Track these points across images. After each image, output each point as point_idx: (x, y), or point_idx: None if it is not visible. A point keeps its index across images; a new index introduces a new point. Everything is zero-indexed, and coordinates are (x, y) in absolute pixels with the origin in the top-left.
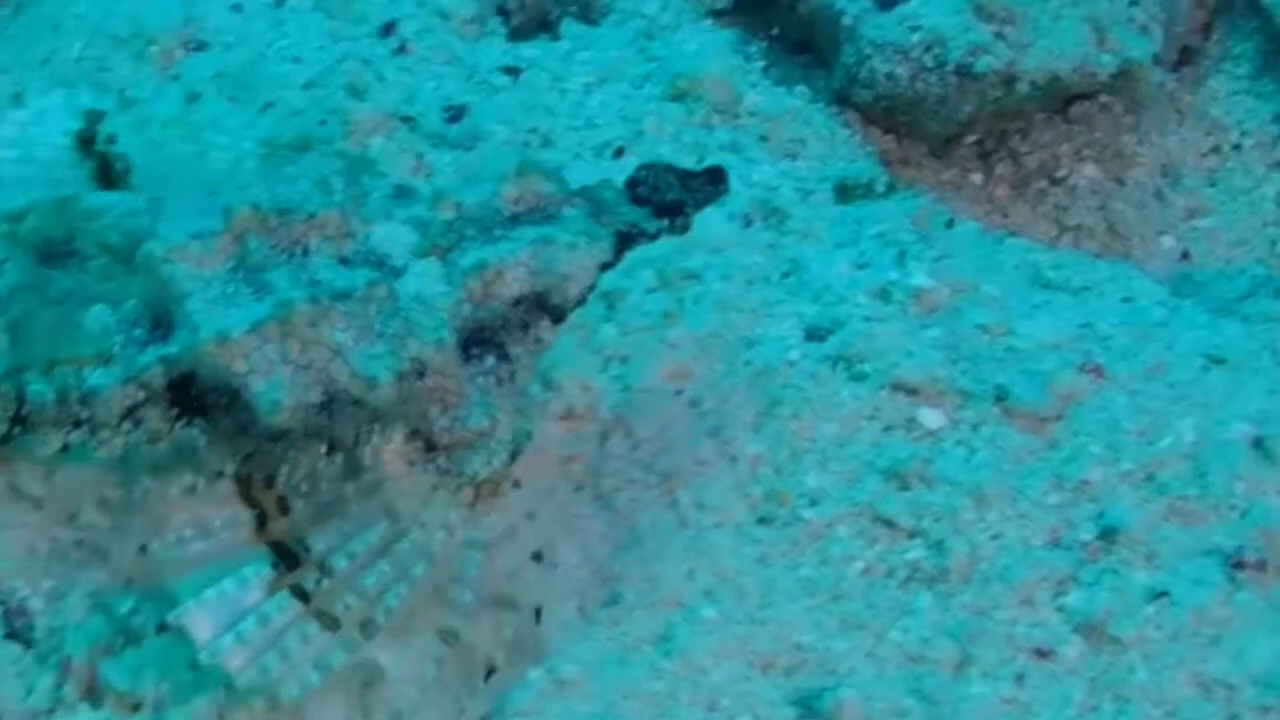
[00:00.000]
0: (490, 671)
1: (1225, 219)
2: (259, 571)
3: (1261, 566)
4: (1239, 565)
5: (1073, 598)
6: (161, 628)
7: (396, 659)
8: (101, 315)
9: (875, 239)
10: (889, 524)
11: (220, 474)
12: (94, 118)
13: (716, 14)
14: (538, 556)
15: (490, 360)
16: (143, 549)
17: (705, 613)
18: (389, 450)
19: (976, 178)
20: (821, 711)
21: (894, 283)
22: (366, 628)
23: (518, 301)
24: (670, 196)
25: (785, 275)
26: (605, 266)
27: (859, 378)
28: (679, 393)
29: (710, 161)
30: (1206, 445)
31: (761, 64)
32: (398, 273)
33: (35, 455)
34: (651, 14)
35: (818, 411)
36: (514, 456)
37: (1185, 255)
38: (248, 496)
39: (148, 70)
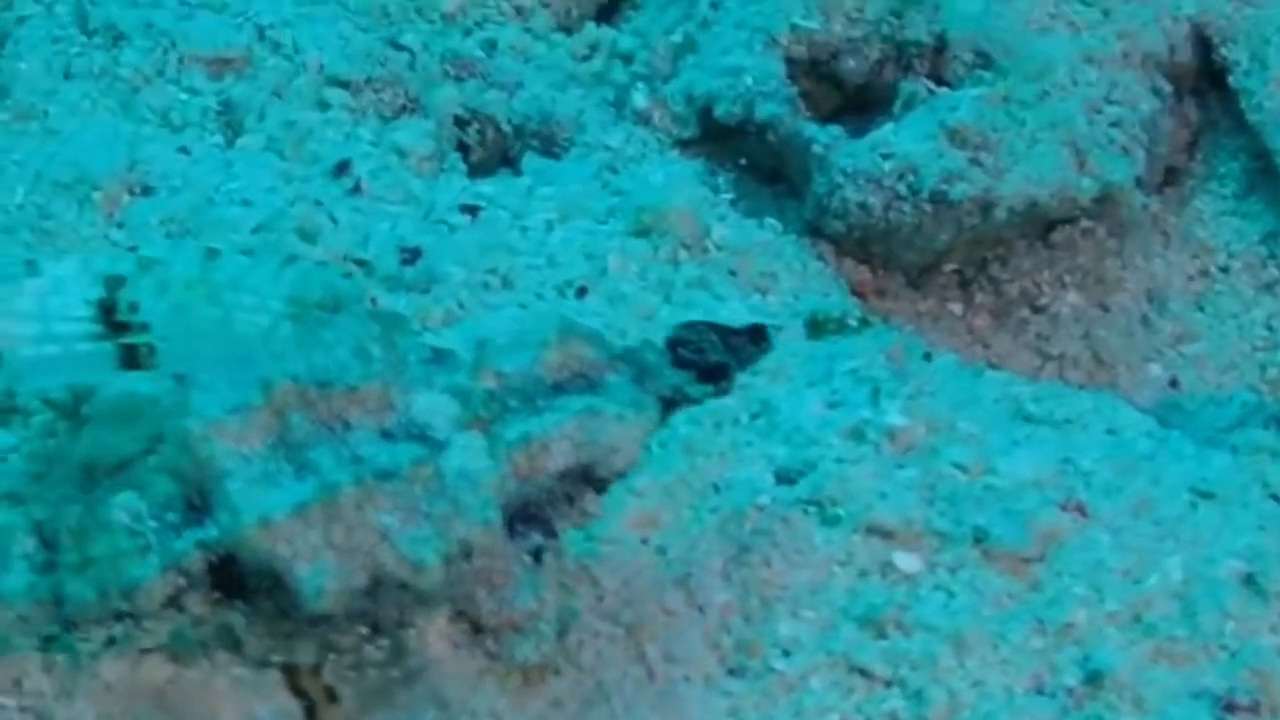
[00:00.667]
0: None
1: (1214, 344)
2: None
3: (1254, 709)
4: (1230, 708)
5: None
6: None
7: None
8: (129, 502)
9: (848, 375)
10: (865, 673)
11: (266, 663)
12: (114, 284)
13: (683, 144)
14: None
15: (536, 537)
16: None
17: None
18: (434, 631)
19: (956, 308)
20: None
21: (867, 421)
22: None
23: (563, 475)
24: (715, 359)
25: (755, 416)
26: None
27: (832, 521)
28: (644, 541)
29: (688, 307)
30: (1195, 584)
31: (730, 195)
32: (440, 446)
33: (79, 653)
34: (616, 146)
35: (789, 558)
36: (561, 636)
37: (1174, 383)
38: (295, 686)
39: (91, 217)
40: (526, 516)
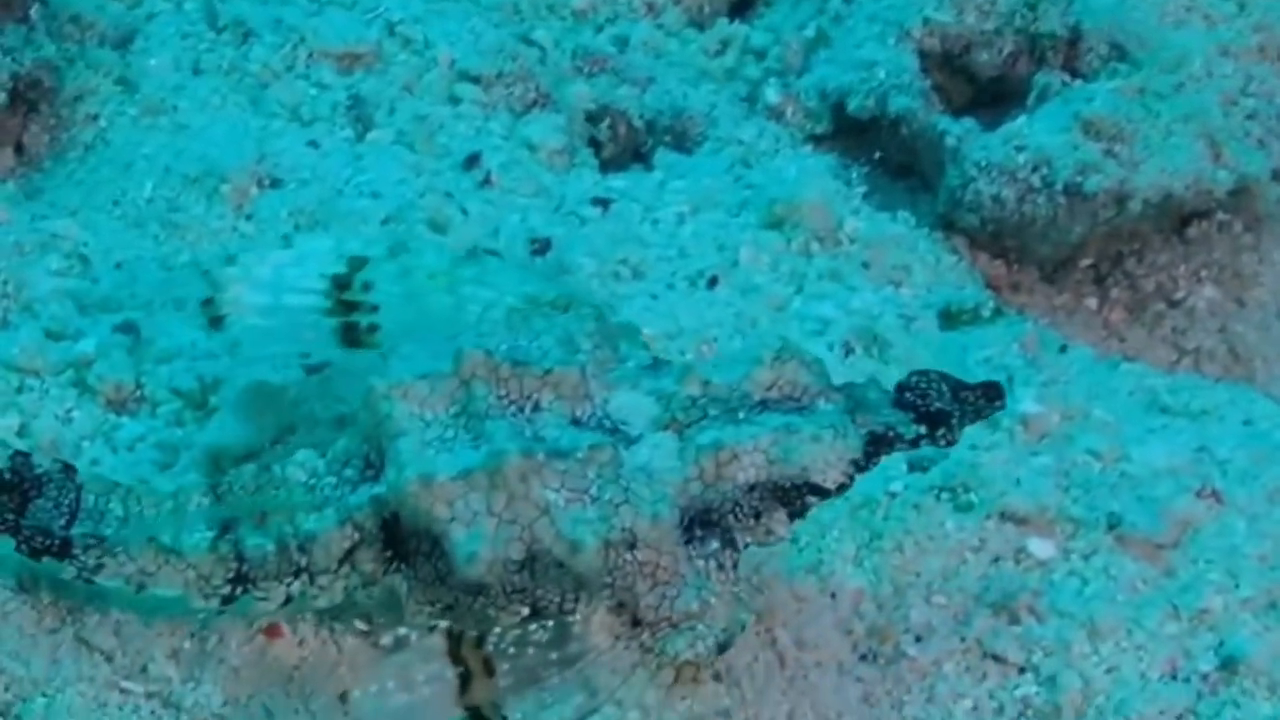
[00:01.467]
0: None
1: None
2: None
3: None
4: None
5: None
6: None
7: None
8: (309, 460)
9: (981, 365)
10: (998, 659)
11: (432, 629)
12: (356, 264)
13: (816, 139)
14: None
15: (714, 544)
16: (343, 696)
17: None
18: (596, 620)
19: (1091, 302)
20: None
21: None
22: None
23: (752, 488)
24: (936, 405)
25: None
26: (856, 467)
27: (965, 508)
28: None
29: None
30: None
31: (862, 189)
32: (630, 441)
33: (257, 611)
34: (748, 140)
35: (921, 544)
36: (723, 647)
37: None
38: (456, 654)
39: (219, 209)
40: (707, 522)
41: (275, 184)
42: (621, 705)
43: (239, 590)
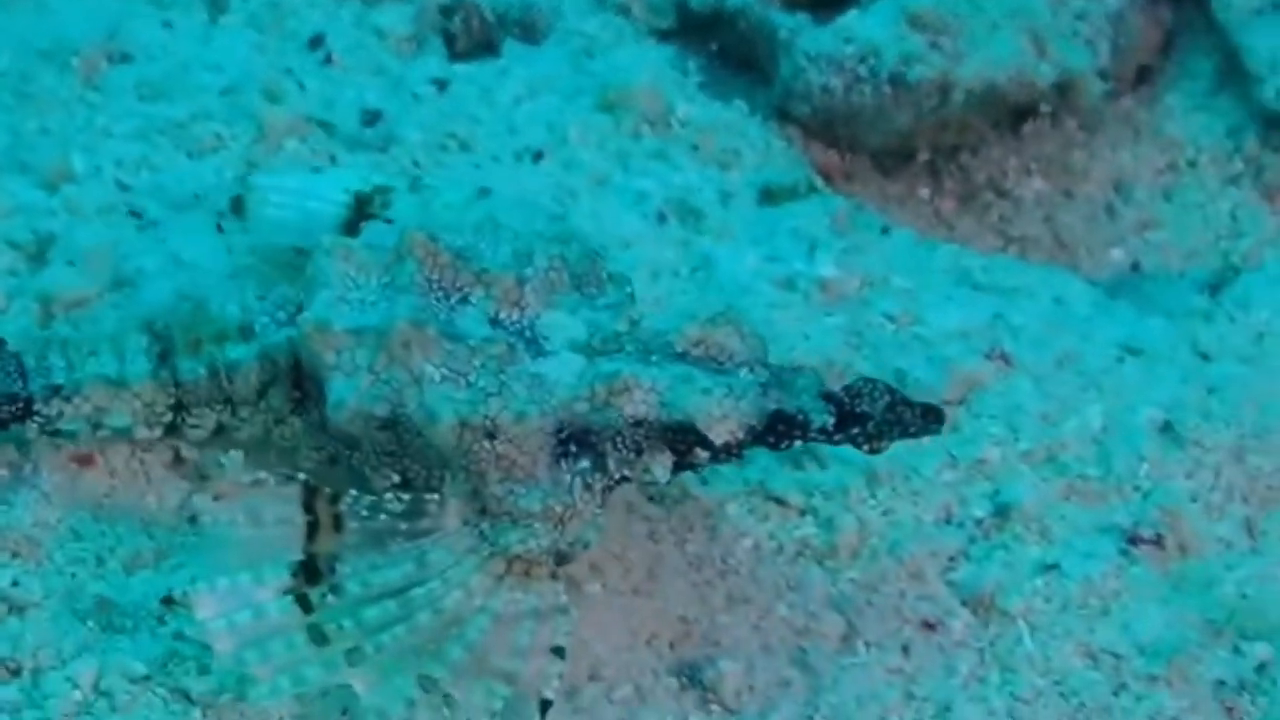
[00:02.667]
0: None
1: (1178, 232)
2: (278, 575)
3: (1158, 542)
4: (1134, 541)
5: (962, 572)
6: (168, 599)
7: (372, 691)
8: (247, 299)
9: (788, 234)
10: (780, 501)
11: (291, 477)
12: (382, 190)
13: (661, 33)
14: (558, 651)
15: (584, 463)
16: (193, 519)
17: (590, 588)
18: (452, 504)
19: (924, 192)
20: (702, 681)
21: (799, 273)
22: (352, 655)
23: (639, 423)
24: (862, 409)
25: (695, 270)
26: (753, 435)
27: None
28: None
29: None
30: (1113, 430)
31: (699, 79)
32: (541, 353)
33: (191, 438)
34: (593, 33)
35: None
36: (563, 558)
37: (1135, 267)
38: (310, 505)
39: (69, 81)
40: (585, 443)
41: (125, 59)
42: (447, 583)
43: (179, 418)
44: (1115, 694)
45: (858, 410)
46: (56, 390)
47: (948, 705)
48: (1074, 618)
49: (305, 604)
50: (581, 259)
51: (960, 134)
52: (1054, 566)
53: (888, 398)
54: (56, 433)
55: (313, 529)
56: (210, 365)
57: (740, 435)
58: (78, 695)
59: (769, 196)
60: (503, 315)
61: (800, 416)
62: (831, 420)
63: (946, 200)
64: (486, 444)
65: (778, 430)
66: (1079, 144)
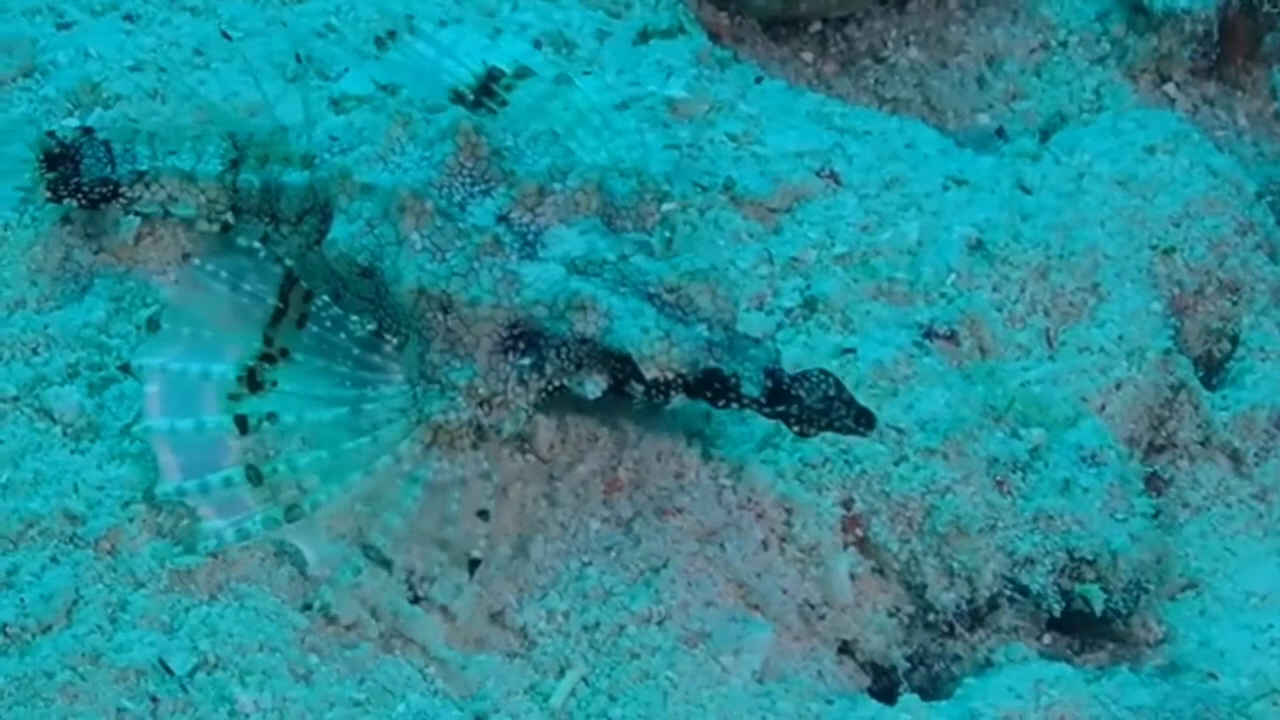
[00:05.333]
0: (415, 600)
1: (1044, 103)
2: (226, 373)
3: (953, 338)
4: (930, 335)
5: None
6: (124, 368)
7: (318, 555)
8: (319, 136)
9: (651, 65)
10: None
11: (280, 260)
12: (520, 71)
13: None
14: (483, 514)
15: (526, 360)
16: (185, 255)
17: None
18: (403, 356)
19: (807, 56)
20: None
21: (650, 93)
22: (290, 511)
23: (584, 340)
24: (796, 391)
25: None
26: (684, 385)
27: None
28: None
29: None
30: (927, 244)
31: None
32: (530, 258)
33: (240, 244)
34: None
35: None
36: (482, 433)
37: (999, 132)
38: (285, 293)
39: None
40: (532, 342)
41: None
42: (377, 444)
43: (236, 220)
44: (895, 464)
45: (791, 392)
46: (140, 175)
47: (741, 465)
48: (864, 395)
49: (243, 425)
50: (630, 195)
51: (846, 6)
52: (850, 350)
53: (827, 390)
54: (136, 213)
55: (278, 315)
56: (265, 181)
57: (668, 377)
58: None
59: (643, 37)
60: (513, 215)
61: (733, 380)
62: (762, 394)
63: (829, 64)
64: (440, 315)
65: (713, 387)
66: (958, 20)
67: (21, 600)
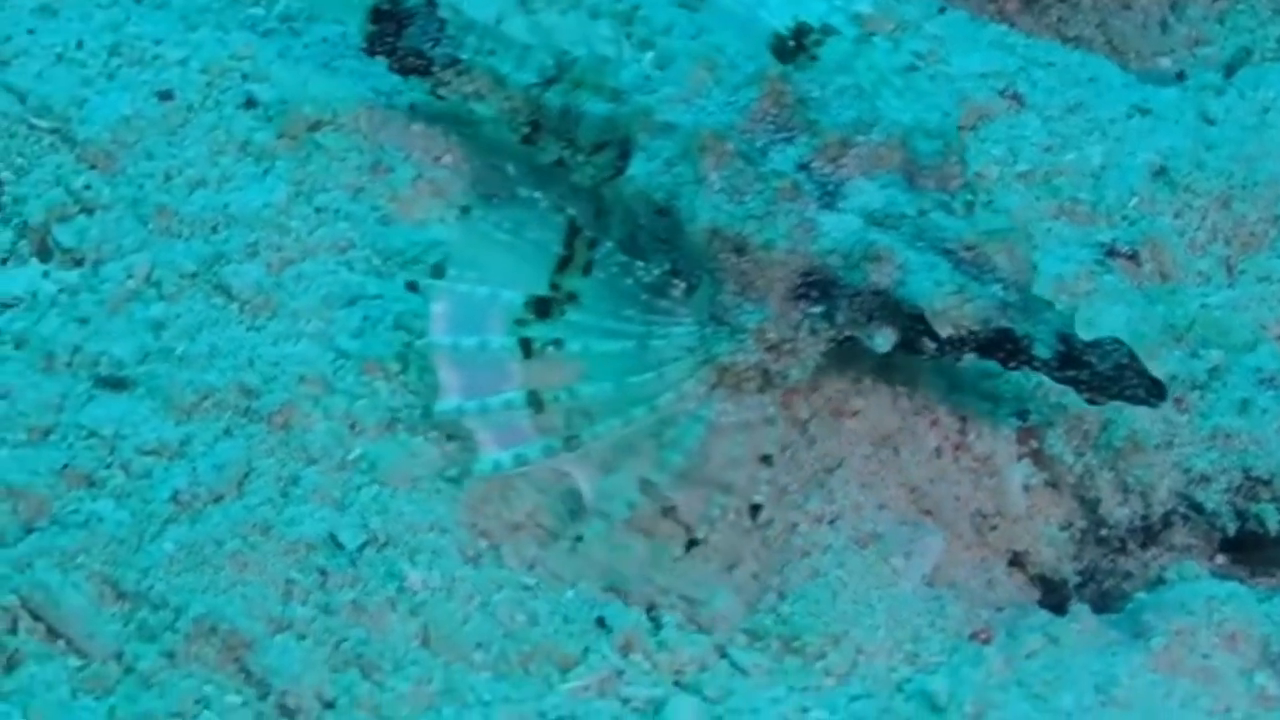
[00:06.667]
0: (691, 544)
1: (1225, 50)
2: (514, 299)
3: (1134, 258)
4: (1112, 254)
5: None
6: (412, 285)
7: (593, 487)
8: (642, 67)
9: None
10: None
11: (562, 209)
12: (827, 29)
13: None
14: (766, 459)
15: (817, 308)
16: (464, 209)
17: None
18: (693, 297)
19: None
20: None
21: (838, 8)
22: (569, 441)
23: (877, 292)
24: (1089, 358)
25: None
26: (975, 340)
27: None
28: None
29: None
30: (1110, 167)
31: None
32: (829, 208)
33: (537, 161)
34: None
35: None
36: (769, 379)
37: (1180, 75)
38: (570, 240)
39: None
40: (825, 291)
41: None
42: (662, 379)
43: (534, 135)
44: None
45: (1084, 358)
46: (456, 62)
47: (917, 372)
48: None
49: (527, 348)
50: (934, 154)
51: None
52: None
53: (1119, 359)
54: (440, 97)
55: (564, 262)
56: (567, 105)
57: (960, 334)
58: (131, 284)
59: None
60: (815, 164)
61: (1025, 341)
62: (1054, 357)
63: (1011, 1)
64: (734, 256)
65: (1004, 347)
66: None
67: (194, 469)
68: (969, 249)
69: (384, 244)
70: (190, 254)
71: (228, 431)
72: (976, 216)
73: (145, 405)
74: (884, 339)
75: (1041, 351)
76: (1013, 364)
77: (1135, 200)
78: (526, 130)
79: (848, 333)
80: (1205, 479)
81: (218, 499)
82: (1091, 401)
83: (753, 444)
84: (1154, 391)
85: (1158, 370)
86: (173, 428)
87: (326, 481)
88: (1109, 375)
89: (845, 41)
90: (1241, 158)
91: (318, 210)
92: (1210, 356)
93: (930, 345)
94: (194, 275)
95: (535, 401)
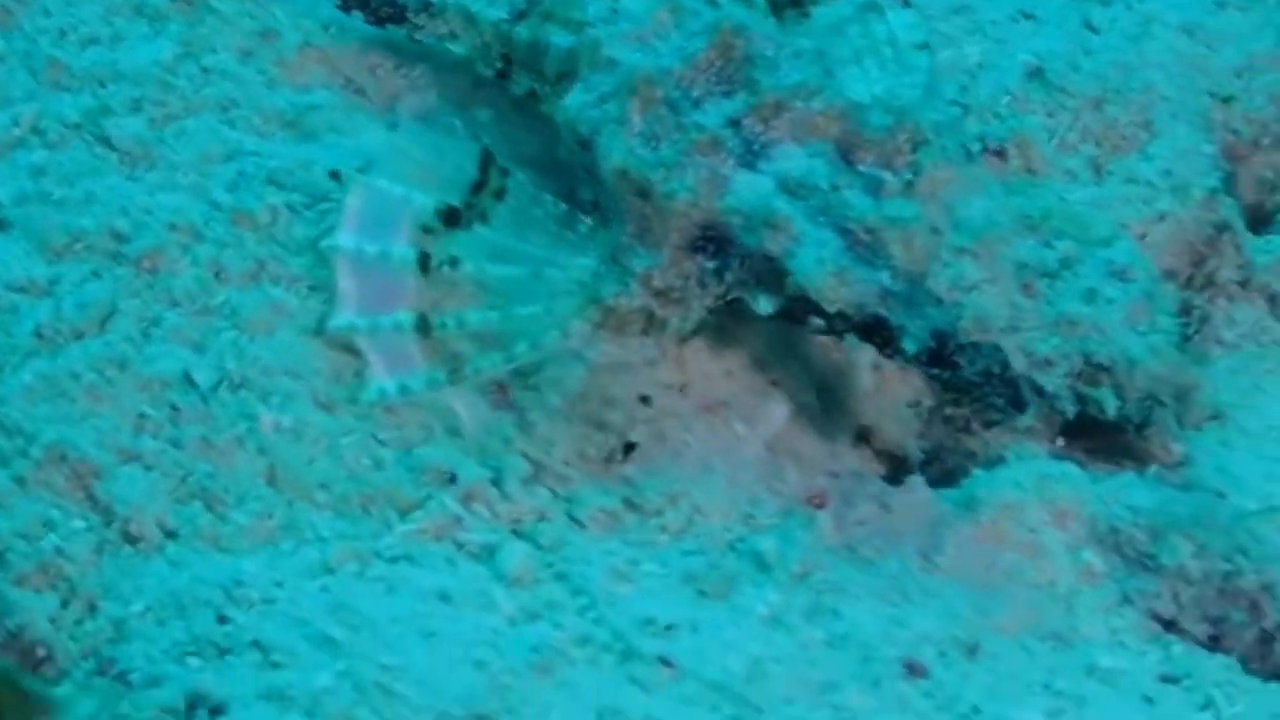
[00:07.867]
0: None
1: None
2: (427, 204)
3: (1001, 154)
4: (984, 151)
5: None
6: (335, 173)
7: (473, 417)
8: (609, 1)
9: None
10: None
11: (479, 137)
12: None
13: None
14: (645, 399)
15: (710, 263)
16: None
17: None
18: (598, 236)
19: None
20: None
21: None
22: (453, 375)
23: (768, 259)
24: (957, 359)
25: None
26: (858, 329)
27: None
28: None
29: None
30: (987, 69)
31: None
32: (747, 167)
33: (513, 94)
34: None
35: None
36: (652, 318)
37: None
38: (484, 166)
39: None
40: (721, 247)
41: None
42: (550, 315)
43: (507, 69)
44: None
45: (950, 358)
46: (428, 6)
47: None
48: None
49: (425, 263)
50: (881, 130)
51: None
52: None
53: (990, 366)
54: (418, 42)
55: (478, 186)
56: (534, 38)
57: (832, 309)
58: (16, 132)
59: None
60: (746, 122)
61: (895, 333)
62: (920, 352)
63: None
64: (638, 200)
65: (879, 334)
66: None
67: (59, 307)
68: (868, 231)
69: (267, 105)
70: (76, 106)
71: (96, 273)
72: (894, 201)
73: (19, 246)
74: (765, 304)
75: (909, 345)
76: (886, 352)
77: (1007, 99)
78: (500, 65)
79: (736, 293)
80: (1048, 363)
81: (79, 335)
82: (955, 403)
83: (633, 385)
84: (1015, 403)
85: (1008, 254)
86: (44, 267)
87: (187, 324)
88: (973, 380)
89: (849, 7)
90: (1119, 64)
91: (204, 70)
92: (1062, 247)
93: (816, 320)
94: (78, 126)
95: (423, 326)
